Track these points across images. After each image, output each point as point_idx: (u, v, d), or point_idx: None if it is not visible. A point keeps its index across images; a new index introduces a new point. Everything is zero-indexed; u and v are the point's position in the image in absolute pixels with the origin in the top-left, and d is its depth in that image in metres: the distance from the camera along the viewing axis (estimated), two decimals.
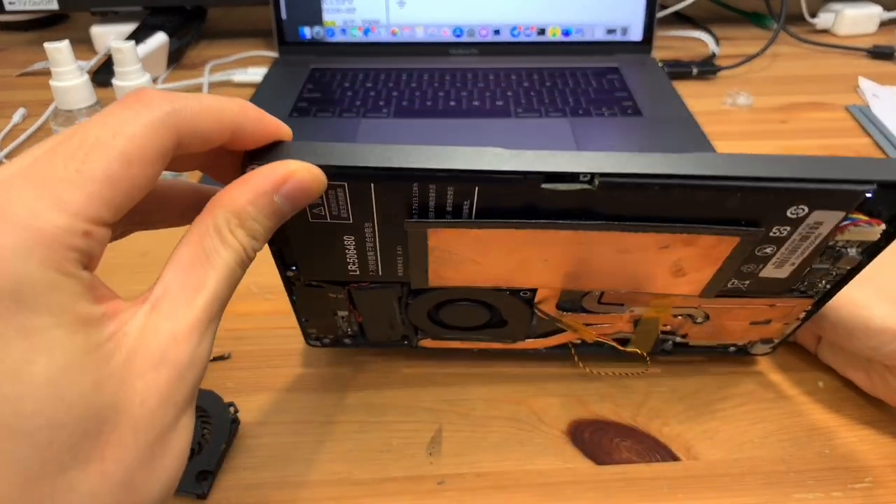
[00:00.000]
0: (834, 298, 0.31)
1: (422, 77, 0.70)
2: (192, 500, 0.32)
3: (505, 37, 0.74)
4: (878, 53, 0.76)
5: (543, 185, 0.24)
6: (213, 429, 0.34)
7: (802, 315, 0.33)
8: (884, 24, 0.83)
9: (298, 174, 0.22)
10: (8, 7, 0.77)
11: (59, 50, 0.48)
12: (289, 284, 0.32)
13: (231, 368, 0.38)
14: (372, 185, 0.24)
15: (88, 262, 0.18)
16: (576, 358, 0.36)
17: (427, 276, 0.29)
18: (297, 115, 0.63)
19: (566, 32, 0.74)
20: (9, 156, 0.60)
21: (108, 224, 0.18)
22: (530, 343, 0.36)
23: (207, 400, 0.35)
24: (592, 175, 0.23)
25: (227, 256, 0.20)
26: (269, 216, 0.21)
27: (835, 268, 0.29)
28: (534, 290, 0.31)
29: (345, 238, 0.27)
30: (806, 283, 0.30)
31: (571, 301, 0.32)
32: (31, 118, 0.66)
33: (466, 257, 0.28)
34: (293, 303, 0.33)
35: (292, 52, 0.75)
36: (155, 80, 0.72)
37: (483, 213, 0.25)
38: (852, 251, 0.28)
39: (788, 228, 0.26)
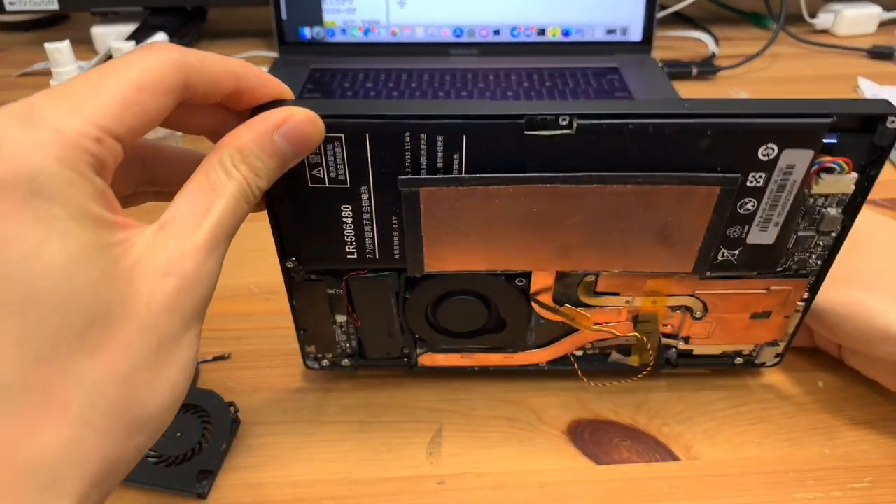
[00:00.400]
0: (849, 309, 0.31)
1: (422, 77, 0.70)
2: (192, 499, 0.32)
3: (505, 37, 0.74)
4: (878, 54, 0.76)
5: (526, 133, 0.25)
6: (214, 428, 0.34)
7: (801, 303, 0.32)
8: (883, 25, 0.83)
9: (297, 116, 0.23)
10: (8, 7, 0.77)
11: (59, 50, 0.48)
12: (289, 281, 0.32)
13: (231, 368, 0.39)
14: (367, 135, 0.26)
15: (101, 169, 0.19)
16: (579, 372, 0.35)
17: (423, 258, 0.30)
18: None
19: (566, 33, 0.74)
20: None
21: (121, 140, 0.20)
22: (531, 356, 0.35)
23: (208, 400, 0.35)
24: (571, 118, 0.25)
25: (232, 187, 0.22)
26: (270, 154, 0.23)
27: (819, 234, 0.29)
28: (528, 276, 0.31)
29: (342, 209, 0.28)
30: (796, 258, 0.30)
31: (567, 294, 0.32)
32: None
33: (459, 229, 0.28)
34: (293, 309, 0.33)
35: (292, 53, 0.75)
36: None
37: (472, 172, 0.27)
38: (832, 210, 0.28)
39: (764, 175, 0.27)
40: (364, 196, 0.28)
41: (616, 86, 0.68)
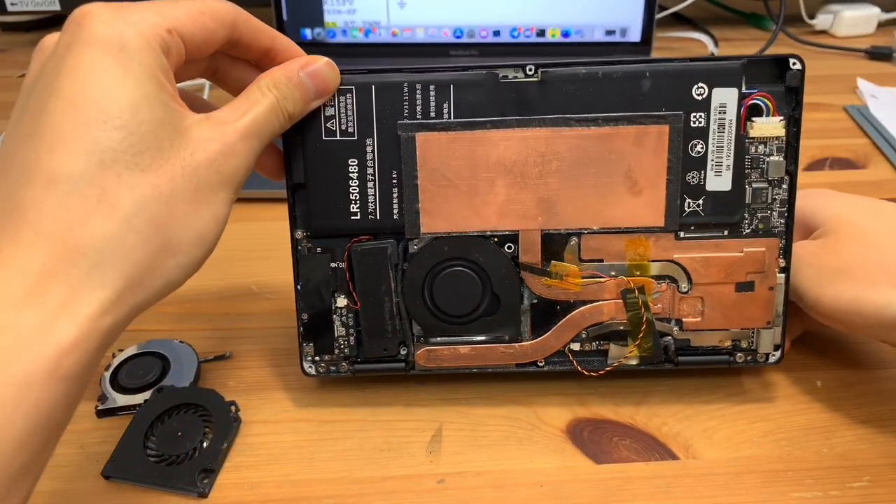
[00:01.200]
0: (857, 305, 0.32)
1: None
2: (193, 498, 0.32)
3: (505, 38, 0.74)
4: (877, 54, 0.77)
5: (501, 80, 0.32)
6: (215, 427, 0.34)
7: (781, 274, 0.34)
8: (882, 25, 0.84)
9: (319, 61, 0.30)
10: (10, 8, 0.77)
11: None
12: (296, 256, 0.34)
13: (232, 368, 0.39)
14: (373, 87, 0.32)
15: (167, 53, 0.25)
16: (575, 363, 0.36)
17: (419, 214, 0.33)
18: None
19: (566, 33, 0.74)
20: None
21: (184, 41, 0.26)
22: (527, 349, 0.35)
23: (208, 399, 0.35)
24: (536, 67, 0.32)
25: (266, 101, 0.28)
26: (296, 86, 0.29)
27: (772, 186, 0.33)
28: (515, 237, 0.34)
29: (349, 163, 0.33)
30: (759, 216, 0.33)
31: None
32: None
33: (451, 180, 0.33)
34: (297, 294, 0.34)
35: None
36: None
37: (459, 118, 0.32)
38: (774, 157, 0.33)
39: (703, 115, 0.32)
40: (369, 149, 0.32)
41: None
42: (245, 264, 0.46)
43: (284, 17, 0.73)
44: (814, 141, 0.61)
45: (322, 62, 0.30)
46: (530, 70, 0.32)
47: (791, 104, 0.32)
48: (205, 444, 0.33)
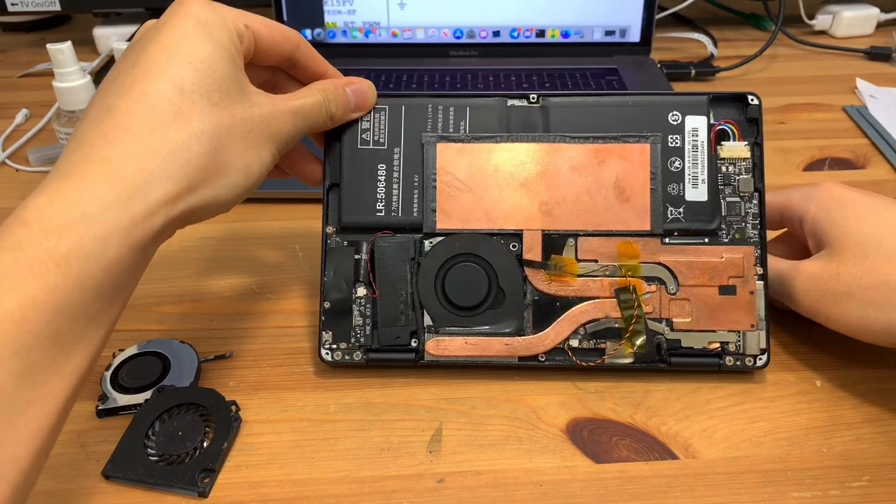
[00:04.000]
0: (867, 324, 0.33)
1: (422, 78, 0.70)
2: (193, 498, 0.32)
3: (505, 38, 0.74)
4: (876, 55, 0.77)
5: (509, 104, 0.38)
6: (215, 427, 0.34)
7: (759, 281, 0.37)
8: (881, 26, 0.84)
9: (362, 82, 0.37)
10: (10, 8, 0.77)
11: (61, 51, 0.49)
12: (325, 249, 0.38)
13: (233, 367, 0.39)
14: (403, 107, 0.38)
15: (241, 39, 0.31)
16: (573, 357, 0.37)
17: (435, 211, 0.37)
18: None
19: (565, 34, 0.74)
20: (12, 157, 0.60)
21: (255, 38, 0.32)
22: (530, 342, 0.37)
23: (209, 398, 0.35)
24: (538, 96, 0.38)
25: (314, 97, 0.34)
26: (341, 96, 0.36)
27: (743, 200, 0.37)
28: (520, 241, 0.37)
29: (379, 167, 0.38)
30: (734, 227, 0.37)
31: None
32: (34, 119, 0.66)
33: (464, 184, 0.37)
34: (323, 285, 0.37)
35: None
36: None
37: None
38: (742, 175, 0.38)
39: (679, 137, 0.37)
40: (396, 156, 0.38)
41: (615, 86, 0.68)
42: (245, 264, 0.47)
43: (285, 17, 0.73)
44: (813, 141, 0.61)
45: (365, 83, 0.37)
46: (533, 98, 0.38)
47: (753, 133, 0.38)
48: (205, 444, 0.33)
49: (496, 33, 0.74)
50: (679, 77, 0.72)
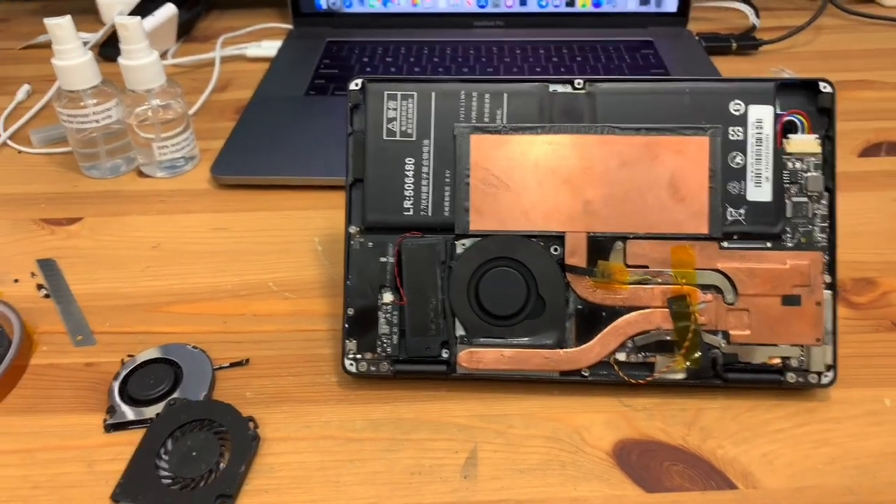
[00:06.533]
0: None
1: (444, 51, 0.66)
2: None
3: (532, 7, 0.70)
4: None
5: (551, 90, 0.34)
6: (231, 447, 0.31)
7: (827, 291, 0.33)
8: None
9: None
10: None
11: (60, 26, 0.45)
12: (348, 250, 0.35)
13: (250, 376, 0.36)
14: (433, 93, 0.34)
15: None
16: (620, 373, 0.34)
17: (469, 211, 0.34)
18: (314, 94, 0.59)
19: (597, 3, 0.69)
20: (13, 137, 0.57)
21: None
22: (572, 356, 0.34)
23: (224, 414, 0.33)
24: (584, 81, 0.34)
25: None
26: None
27: (812, 201, 0.34)
28: (562, 244, 0.34)
29: (406, 161, 0.34)
30: (800, 230, 0.34)
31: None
32: (37, 95, 0.63)
33: (501, 180, 0.34)
34: (346, 289, 0.34)
35: (307, 24, 0.71)
36: (164, 55, 0.69)
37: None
38: (811, 172, 0.34)
39: (741, 129, 0.34)
40: (426, 148, 0.34)
41: (651, 61, 0.64)
42: (261, 259, 0.44)
43: None
44: (867, 123, 0.56)
45: None
46: (578, 84, 0.34)
47: (824, 125, 0.34)
48: (221, 466, 0.31)
49: (523, 2, 0.69)
50: (719, 51, 0.67)
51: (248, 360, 0.37)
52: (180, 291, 0.41)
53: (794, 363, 0.34)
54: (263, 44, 0.68)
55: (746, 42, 0.68)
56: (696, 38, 0.68)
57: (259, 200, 0.48)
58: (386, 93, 0.35)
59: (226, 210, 0.48)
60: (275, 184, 0.49)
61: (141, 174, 0.52)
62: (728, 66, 0.64)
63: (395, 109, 0.35)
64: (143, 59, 0.47)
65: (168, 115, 0.49)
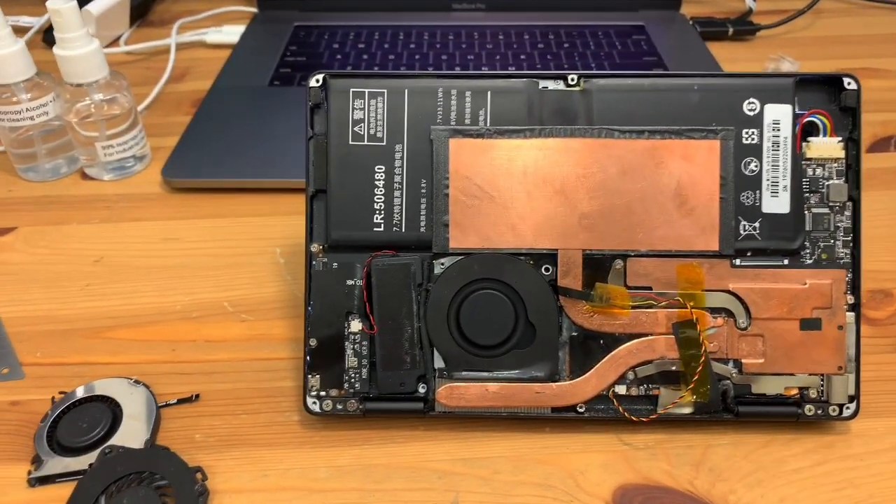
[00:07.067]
0: None
1: (421, 36, 0.61)
2: None
3: None
4: None
5: (541, 87, 0.30)
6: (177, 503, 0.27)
7: (850, 312, 0.30)
8: None
9: None
10: None
11: None
12: (309, 272, 0.30)
13: (200, 414, 0.32)
14: (406, 91, 0.30)
15: None
16: (620, 408, 0.30)
17: (448, 227, 0.30)
18: (279, 84, 0.54)
19: None
20: None
21: None
22: (565, 391, 0.30)
23: (167, 465, 0.28)
24: (578, 77, 0.30)
25: None
26: None
27: (833, 212, 0.30)
28: (555, 263, 0.30)
29: (376, 169, 0.30)
30: (821, 244, 0.30)
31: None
32: None
33: (484, 190, 0.30)
34: (307, 317, 0.30)
35: (273, 7, 0.66)
36: (117, 41, 0.63)
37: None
38: (834, 180, 0.30)
39: (756, 131, 0.30)
40: (398, 155, 0.30)
41: (643, 48, 0.60)
42: (216, 274, 0.39)
43: None
44: (873, 115, 0.53)
45: None
46: (572, 80, 0.30)
47: (848, 126, 0.31)
48: None
49: None
50: (714, 36, 0.63)
51: (197, 396, 0.32)
52: (124, 313, 0.37)
53: (812, 394, 0.30)
54: (225, 29, 0.63)
55: (743, 27, 0.64)
56: (691, 22, 0.64)
57: (215, 206, 0.44)
58: (352, 90, 0.30)
59: (178, 217, 0.43)
60: (233, 187, 0.45)
61: (85, 176, 0.47)
62: (724, 52, 0.60)
63: (363, 109, 0.30)
64: (81, 48, 0.42)
65: (113, 110, 0.44)
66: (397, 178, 0.30)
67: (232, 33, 0.62)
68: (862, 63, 0.60)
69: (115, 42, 0.63)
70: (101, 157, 0.45)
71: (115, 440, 0.30)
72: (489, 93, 0.30)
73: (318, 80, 0.31)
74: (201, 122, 0.50)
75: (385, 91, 0.30)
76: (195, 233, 0.42)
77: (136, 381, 0.32)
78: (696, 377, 0.30)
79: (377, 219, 0.30)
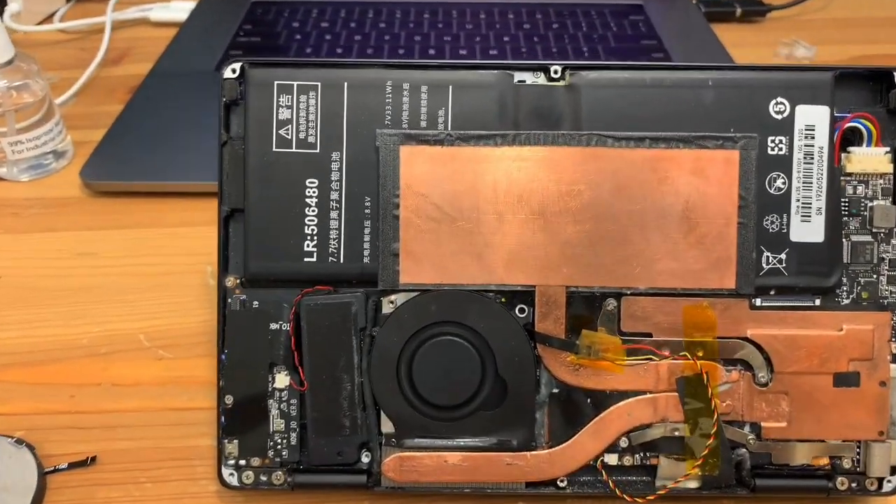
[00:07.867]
0: None
1: (393, 14, 0.55)
2: None
3: None
4: None
5: (517, 81, 0.25)
6: None
7: (892, 359, 0.25)
8: None
9: None
10: None
11: None
12: (223, 312, 0.26)
13: (94, 483, 0.26)
14: (345, 84, 0.25)
15: None
16: (610, 483, 0.25)
17: (399, 258, 0.25)
18: None
19: None
20: None
21: None
22: (542, 461, 0.25)
23: None
24: (562, 68, 0.25)
25: None
26: None
27: (878, 241, 0.25)
28: (531, 295, 0.25)
29: (308, 184, 0.25)
30: (861, 281, 0.26)
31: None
32: None
33: (444, 211, 0.25)
34: (220, 365, 0.25)
35: None
36: (51, 17, 0.57)
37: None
38: (879, 200, 0.26)
39: (785, 140, 0.25)
40: (335, 165, 0.25)
41: (641, 30, 0.54)
42: (134, 298, 0.33)
43: None
44: None
45: None
46: (555, 72, 0.25)
47: (893, 133, 0.26)
48: None
49: None
50: (721, 17, 0.58)
51: (93, 459, 0.27)
52: (18, 349, 0.31)
53: (846, 464, 0.26)
54: (173, 5, 0.57)
55: (752, 8, 0.58)
56: (694, 1, 0.58)
57: (142, 213, 0.38)
58: (276, 83, 0.25)
59: (96, 227, 0.37)
60: (164, 190, 0.39)
61: None
62: (732, 36, 0.54)
63: (290, 107, 0.25)
64: None
65: (23, 98, 0.38)
66: (334, 195, 0.25)
67: (180, 10, 0.56)
68: (883, 49, 0.55)
69: (48, 19, 0.57)
70: (10, 156, 0.39)
71: None
72: (450, 87, 0.25)
73: (234, 70, 0.25)
74: (133, 113, 0.43)
75: (319, 84, 0.25)
76: (115, 246, 0.36)
77: (19, 441, 0.26)
78: (710, 444, 0.24)
79: (308, 246, 0.25)
